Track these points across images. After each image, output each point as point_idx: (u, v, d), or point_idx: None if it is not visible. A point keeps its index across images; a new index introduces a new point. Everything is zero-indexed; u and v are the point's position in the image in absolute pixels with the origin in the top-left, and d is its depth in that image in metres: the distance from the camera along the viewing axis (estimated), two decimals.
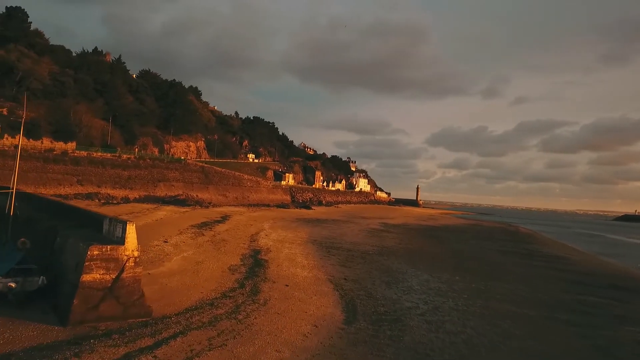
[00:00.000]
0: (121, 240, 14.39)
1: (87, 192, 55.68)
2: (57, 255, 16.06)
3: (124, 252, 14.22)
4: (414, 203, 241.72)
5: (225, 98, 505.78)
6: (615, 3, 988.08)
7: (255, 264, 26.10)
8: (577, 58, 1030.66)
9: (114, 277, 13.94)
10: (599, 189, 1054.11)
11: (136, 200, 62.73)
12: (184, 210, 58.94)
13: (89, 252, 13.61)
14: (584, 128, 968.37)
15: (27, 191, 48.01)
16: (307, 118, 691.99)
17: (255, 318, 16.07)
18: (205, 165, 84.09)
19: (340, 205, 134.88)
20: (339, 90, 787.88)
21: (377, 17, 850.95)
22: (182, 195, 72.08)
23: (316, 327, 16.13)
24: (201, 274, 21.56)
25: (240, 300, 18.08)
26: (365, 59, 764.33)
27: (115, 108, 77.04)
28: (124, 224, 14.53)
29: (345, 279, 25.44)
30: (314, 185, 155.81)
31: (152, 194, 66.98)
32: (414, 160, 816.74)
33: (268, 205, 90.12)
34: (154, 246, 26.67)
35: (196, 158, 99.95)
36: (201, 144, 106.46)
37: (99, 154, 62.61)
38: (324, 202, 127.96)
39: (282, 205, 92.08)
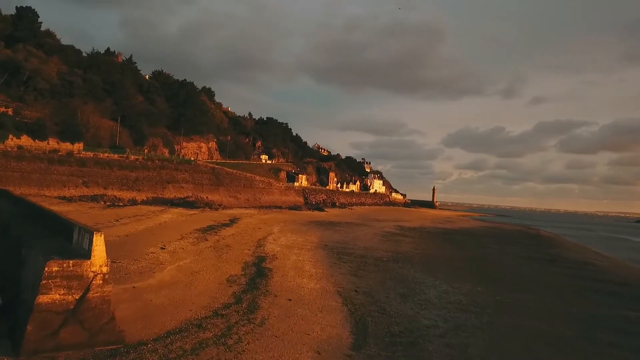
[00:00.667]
0: (87, 254, 12.22)
1: (92, 194, 54.18)
2: (20, 269, 13.99)
3: (89, 267, 12.04)
4: (430, 205, 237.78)
5: (241, 100, 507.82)
6: (637, 1, 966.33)
7: (258, 273, 23.86)
8: (598, 57, 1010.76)
9: (77, 297, 11.77)
10: (619, 190, 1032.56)
11: (144, 203, 61.13)
12: (192, 212, 57.13)
13: (46, 268, 11.46)
14: (603, 128, 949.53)
15: (30, 193, 46.74)
16: (323, 119, 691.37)
17: (248, 343, 13.80)
18: (216, 166, 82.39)
19: (354, 207, 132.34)
20: (356, 91, 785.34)
21: (394, 17, 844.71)
22: (191, 197, 70.40)
23: (319, 354, 13.81)
24: (194, 287, 19.38)
25: (234, 320, 15.82)
26: (381, 59, 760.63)
27: (125, 108, 75.72)
28: (90, 234, 12.34)
29: (356, 290, 23.08)
30: (327, 187, 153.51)
31: (160, 196, 65.37)
32: (430, 161, 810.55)
33: (280, 207, 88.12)
34: (148, 254, 24.62)
35: (207, 159, 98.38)
36: (213, 144, 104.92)
37: (106, 154, 61.17)
38: (337, 204, 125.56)
39: (294, 207, 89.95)
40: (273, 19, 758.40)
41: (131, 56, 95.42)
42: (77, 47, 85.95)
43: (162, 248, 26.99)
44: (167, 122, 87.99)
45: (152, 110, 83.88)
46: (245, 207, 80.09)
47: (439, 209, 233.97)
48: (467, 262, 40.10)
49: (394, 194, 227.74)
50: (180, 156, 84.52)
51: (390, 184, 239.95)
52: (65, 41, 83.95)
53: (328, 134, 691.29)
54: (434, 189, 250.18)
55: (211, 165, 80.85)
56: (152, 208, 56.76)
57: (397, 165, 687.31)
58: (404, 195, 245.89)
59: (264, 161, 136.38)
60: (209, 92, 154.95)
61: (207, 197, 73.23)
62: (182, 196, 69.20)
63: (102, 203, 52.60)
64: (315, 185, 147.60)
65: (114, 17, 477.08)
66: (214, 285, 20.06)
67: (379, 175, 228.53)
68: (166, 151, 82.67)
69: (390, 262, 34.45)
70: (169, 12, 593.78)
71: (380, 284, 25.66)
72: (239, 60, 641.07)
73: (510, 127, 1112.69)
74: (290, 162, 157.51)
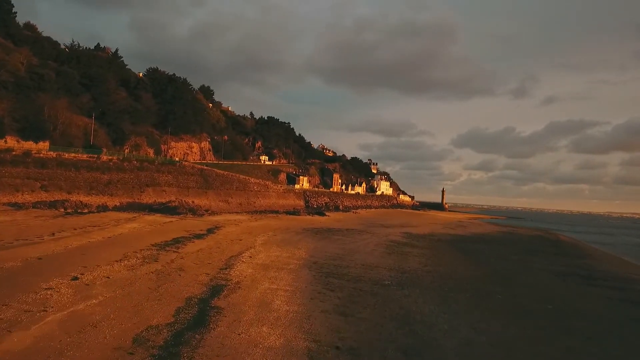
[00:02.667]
0: None
1: (52, 200, 47.16)
2: None
3: None
4: (439, 207, 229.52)
5: (249, 101, 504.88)
6: None
7: (196, 321, 16.41)
8: (610, 56, 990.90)
9: None
10: (631, 191, 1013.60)
11: (116, 209, 54.11)
12: (168, 220, 49.98)
13: None
14: (616, 128, 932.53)
15: None
16: (332, 121, 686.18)
17: None
18: (205, 167, 75.24)
19: (359, 210, 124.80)
20: (365, 92, 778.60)
21: (404, 17, 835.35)
22: (174, 201, 63.28)
23: None
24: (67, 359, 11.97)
25: None
26: (392, 59, 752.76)
27: (104, 104, 69.01)
28: None
29: (338, 347, 15.55)
30: (331, 189, 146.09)
31: (137, 201, 58.35)
32: (439, 162, 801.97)
33: (276, 212, 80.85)
34: (40, 290, 17.30)
35: (199, 160, 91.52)
36: (206, 144, 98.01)
37: (72, 155, 54.18)
38: (341, 207, 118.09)
39: (292, 212, 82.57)
40: (282, 20, 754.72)
41: (117, 50, 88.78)
42: (83, 46, 79.39)
43: (74, 278, 19.65)
44: (154, 120, 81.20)
45: (137, 107, 77.04)
46: (237, 212, 72.87)
47: (449, 211, 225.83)
48: (490, 282, 32.44)
49: (401, 196, 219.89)
50: (168, 157, 77.54)
51: (397, 186, 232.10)
52: (42, 32, 77.11)
53: (337, 136, 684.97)
54: (443, 191, 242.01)
55: (199, 166, 73.66)
56: (123, 215, 49.68)
57: (406, 167, 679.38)
58: (412, 197, 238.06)
59: (263, 162, 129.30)
60: (207, 91, 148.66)
61: (192, 202, 66.05)
62: (163, 201, 62.11)
63: (62, 210, 45.52)
64: (318, 187, 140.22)
65: (123, 19, 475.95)
66: (104, 353, 12.61)
67: (386, 176, 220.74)
68: (151, 151, 75.76)
69: (394, 288, 26.83)
70: (179, 14, 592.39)
71: (376, 330, 18.10)
72: (248, 62, 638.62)
73: (520, 127, 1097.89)
74: (293, 163, 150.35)
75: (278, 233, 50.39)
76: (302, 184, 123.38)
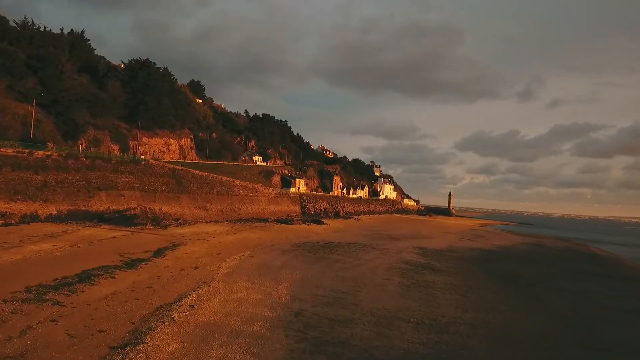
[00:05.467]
0: None
1: None
2: None
3: None
4: (445, 212, 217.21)
5: (253, 103, 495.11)
6: None
7: None
8: (617, 58, 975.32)
9: None
10: (635, 195, 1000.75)
11: (51, 219, 42.01)
12: (112, 235, 37.84)
13: None
14: (621, 131, 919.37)
15: None
16: (334, 123, 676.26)
17: None
18: (179, 167, 62.99)
19: (361, 216, 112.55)
20: (369, 94, 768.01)
21: (410, 17, 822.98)
22: (135, 209, 51.10)
23: None
24: None
25: None
26: (397, 61, 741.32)
27: (55, 91, 56.79)
28: None
29: None
30: (331, 193, 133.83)
31: (83, 208, 46.23)
32: (441, 166, 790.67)
33: (265, 220, 68.69)
34: None
35: (179, 159, 79.39)
36: (187, 142, 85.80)
37: None
38: (341, 213, 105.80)
39: (283, 220, 70.36)
40: (286, 21, 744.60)
41: (82, 32, 76.38)
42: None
43: None
44: (122, 112, 69.05)
45: (99, 96, 64.83)
46: (215, 222, 60.70)
47: (456, 216, 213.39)
48: (566, 343, 20.31)
49: (406, 200, 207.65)
50: (138, 155, 65.42)
51: (402, 189, 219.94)
52: None
53: (338, 138, 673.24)
54: (449, 195, 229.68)
55: (171, 166, 61.38)
56: (51, 228, 37.48)
57: (408, 170, 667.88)
58: (417, 202, 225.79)
59: (256, 163, 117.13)
60: (197, 86, 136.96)
61: (159, 209, 53.92)
62: (120, 208, 49.94)
63: None
64: (316, 191, 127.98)
65: (127, 20, 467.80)
66: None
67: (390, 179, 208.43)
68: (115, 148, 63.70)
69: None
70: (183, 14, 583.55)
71: None
72: (251, 63, 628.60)
73: (525, 130, 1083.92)
74: (289, 164, 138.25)
75: (257, 252, 38.21)
76: (299, 188, 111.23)
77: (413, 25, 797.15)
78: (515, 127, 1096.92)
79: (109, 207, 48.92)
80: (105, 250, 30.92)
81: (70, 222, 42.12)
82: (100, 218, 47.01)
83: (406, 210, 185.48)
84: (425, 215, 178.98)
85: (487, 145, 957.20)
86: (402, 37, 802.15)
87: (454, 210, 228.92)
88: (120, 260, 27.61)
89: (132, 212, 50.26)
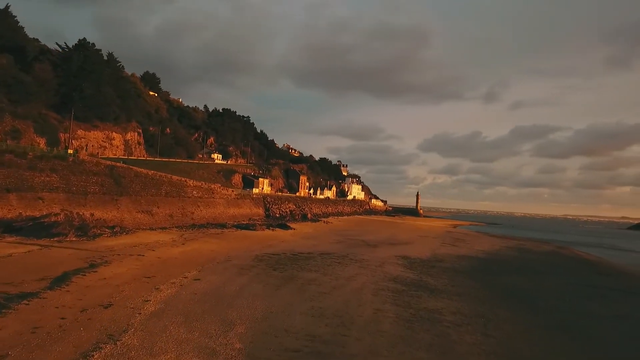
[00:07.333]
0: None
1: None
2: None
3: None
4: (413, 212, 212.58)
5: (219, 102, 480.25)
6: (624, 5, 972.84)
7: None
8: (579, 62, 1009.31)
9: None
10: (588, 194, 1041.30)
11: None
12: (17, 251, 28.27)
13: None
14: (577, 133, 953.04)
15: None
16: (302, 124, 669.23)
17: None
18: (119, 164, 53.02)
19: (330, 218, 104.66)
20: (337, 95, 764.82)
21: (380, 19, 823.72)
22: (58, 215, 41.31)
23: None
24: None
25: None
26: (366, 62, 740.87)
27: None
28: None
29: None
30: (297, 193, 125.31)
31: None
32: (405, 166, 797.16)
33: (223, 226, 59.65)
34: None
35: (124, 156, 69.15)
36: (134, 136, 75.43)
37: None
38: (309, 215, 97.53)
39: (245, 226, 61.47)
40: (255, 20, 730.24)
41: (8, 6, 64.88)
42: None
43: None
44: (52, 100, 58.38)
45: (23, 80, 54.10)
46: (164, 228, 51.33)
47: (424, 216, 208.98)
48: None
49: (374, 201, 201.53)
50: (72, 150, 54.96)
51: (369, 189, 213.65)
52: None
53: (305, 139, 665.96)
54: (417, 195, 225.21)
55: (108, 162, 51.34)
56: None
57: (373, 170, 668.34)
58: (385, 202, 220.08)
59: (216, 161, 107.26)
60: (151, 78, 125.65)
61: (91, 215, 44.14)
62: (37, 214, 40.01)
63: None
64: (282, 191, 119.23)
65: (88, 14, 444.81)
66: None
67: (358, 179, 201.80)
68: (41, 141, 53.15)
69: None
70: (148, 11, 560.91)
71: None
72: (219, 62, 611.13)
73: (487, 132, 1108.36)
74: (252, 163, 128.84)
75: (207, 272, 29.45)
76: (262, 188, 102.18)
77: (382, 27, 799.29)
78: (478, 129, 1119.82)
79: (20, 213, 38.90)
80: None
81: None
82: (8, 227, 37.01)
83: (374, 211, 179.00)
84: (394, 216, 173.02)
85: (450, 146, 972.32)
86: (371, 39, 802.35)
87: (421, 211, 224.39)
88: None
89: (53, 219, 40.40)
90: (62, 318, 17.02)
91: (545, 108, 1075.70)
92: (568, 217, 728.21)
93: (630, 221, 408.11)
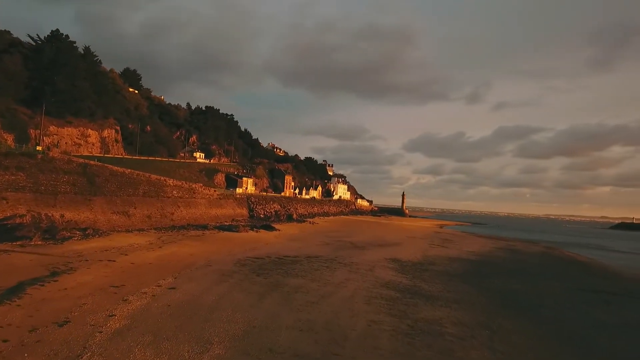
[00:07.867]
0: None
1: None
2: None
3: None
4: (399, 212, 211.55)
5: (203, 102, 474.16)
6: (606, 6, 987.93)
7: None
8: (562, 63, 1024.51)
9: None
10: (569, 194, 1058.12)
11: None
12: None
13: None
14: (559, 133, 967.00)
15: None
16: (287, 124, 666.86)
17: None
18: (93, 163, 49.95)
19: (316, 219, 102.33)
20: (323, 95, 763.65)
21: (367, 20, 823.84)
22: (24, 216, 38.44)
23: None
24: None
25: None
26: (351, 62, 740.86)
27: None
28: None
29: None
30: (282, 193, 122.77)
31: None
32: (389, 166, 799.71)
33: (204, 228, 56.97)
34: None
35: (100, 154, 65.89)
36: (111, 133, 72.13)
37: None
38: (294, 215, 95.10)
39: (227, 227, 58.81)
40: (241, 19, 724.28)
41: None
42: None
43: None
44: (22, 94, 54.94)
45: None
46: (141, 230, 48.50)
47: (409, 216, 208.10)
48: None
49: (359, 201, 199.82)
50: (41, 147, 51.68)
51: (355, 189, 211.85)
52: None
53: (291, 139, 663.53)
54: (403, 195, 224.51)
55: (81, 160, 48.22)
56: None
57: (358, 170, 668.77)
58: (371, 202, 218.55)
59: (198, 160, 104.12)
60: (132, 75, 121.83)
61: (61, 216, 41.15)
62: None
63: None
64: (266, 191, 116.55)
65: (71, 11, 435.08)
66: None
67: (343, 179, 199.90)
68: (9, 137, 49.82)
69: None
70: (133, 8, 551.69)
71: None
72: (204, 61, 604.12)
73: (470, 132, 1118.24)
74: (236, 162, 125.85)
75: (184, 279, 26.90)
76: (246, 188, 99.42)
77: (368, 27, 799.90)
78: (462, 129, 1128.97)
79: None
80: None
81: None
82: None
83: (360, 211, 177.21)
84: (380, 216, 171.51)
85: (434, 147, 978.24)
86: (357, 39, 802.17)
87: (407, 211, 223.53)
88: None
89: (18, 220, 37.46)
90: (5, 341, 14.39)
91: (527, 109, 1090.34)
92: (550, 216, 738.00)
93: (611, 221, 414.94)
